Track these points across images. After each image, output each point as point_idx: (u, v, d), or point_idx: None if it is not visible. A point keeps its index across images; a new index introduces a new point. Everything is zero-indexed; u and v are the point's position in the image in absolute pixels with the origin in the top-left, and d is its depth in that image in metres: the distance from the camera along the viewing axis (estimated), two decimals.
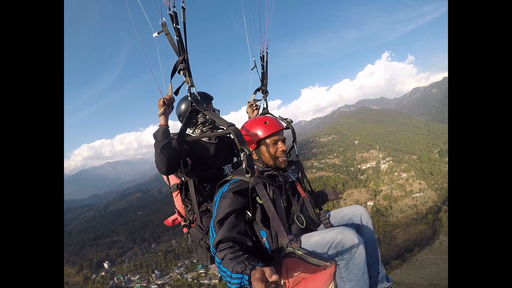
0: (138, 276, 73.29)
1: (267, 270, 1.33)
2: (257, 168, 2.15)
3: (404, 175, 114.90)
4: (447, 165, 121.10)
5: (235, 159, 2.91)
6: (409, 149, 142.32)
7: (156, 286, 65.21)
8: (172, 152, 2.30)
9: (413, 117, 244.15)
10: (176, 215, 2.91)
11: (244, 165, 1.90)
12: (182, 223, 2.74)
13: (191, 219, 2.62)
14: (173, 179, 2.71)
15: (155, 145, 2.28)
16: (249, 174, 1.90)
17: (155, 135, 2.31)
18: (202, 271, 67.76)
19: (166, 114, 2.38)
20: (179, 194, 2.66)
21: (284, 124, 2.51)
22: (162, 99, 2.36)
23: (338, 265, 1.80)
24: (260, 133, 2.19)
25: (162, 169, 2.33)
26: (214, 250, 1.78)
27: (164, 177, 2.74)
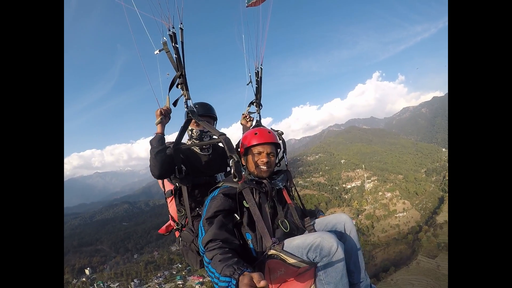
0: (117, 284, 73.37)
1: (255, 276, 1.32)
2: (245, 174, 2.27)
3: (389, 194, 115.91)
4: (433, 185, 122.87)
5: (228, 168, 3.02)
6: (396, 168, 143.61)
7: None
8: (165, 158, 2.45)
9: (401, 137, 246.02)
10: (169, 221, 2.97)
11: (232, 170, 2.01)
12: (175, 227, 2.82)
13: (183, 223, 2.69)
14: (168, 186, 2.79)
15: (151, 150, 2.43)
16: (236, 179, 2.01)
17: (151, 142, 2.48)
18: (180, 282, 68.24)
19: (162, 123, 2.58)
20: (173, 199, 2.77)
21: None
22: (159, 110, 2.56)
23: (317, 268, 1.87)
24: (247, 142, 2.34)
25: (155, 173, 2.47)
26: (203, 249, 1.80)
27: (160, 183, 2.87)
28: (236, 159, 2.02)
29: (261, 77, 3.37)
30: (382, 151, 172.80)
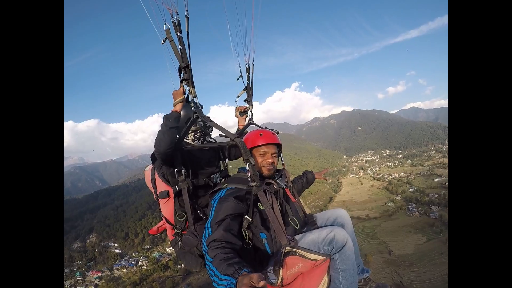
0: None
1: (254, 276, 1.33)
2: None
3: None
4: (328, 186, 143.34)
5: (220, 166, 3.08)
6: (296, 170, 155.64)
7: None
8: (175, 137, 2.39)
9: (308, 143, 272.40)
10: (161, 223, 2.88)
11: (249, 174, 2.06)
12: (172, 231, 2.68)
13: (182, 227, 2.58)
14: (162, 187, 2.67)
15: (163, 124, 2.35)
16: (255, 183, 2.06)
17: (167, 117, 2.38)
18: (80, 278, 70.56)
19: (183, 103, 2.49)
20: (167, 201, 2.64)
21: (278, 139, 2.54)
22: (181, 89, 2.44)
23: (333, 258, 2.02)
24: (252, 142, 2.40)
25: (160, 148, 2.37)
26: (207, 248, 1.82)
27: (149, 183, 2.80)
28: (253, 163, 2.06)
29: (252, 73, 3.28)
30: (287, 154, 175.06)
